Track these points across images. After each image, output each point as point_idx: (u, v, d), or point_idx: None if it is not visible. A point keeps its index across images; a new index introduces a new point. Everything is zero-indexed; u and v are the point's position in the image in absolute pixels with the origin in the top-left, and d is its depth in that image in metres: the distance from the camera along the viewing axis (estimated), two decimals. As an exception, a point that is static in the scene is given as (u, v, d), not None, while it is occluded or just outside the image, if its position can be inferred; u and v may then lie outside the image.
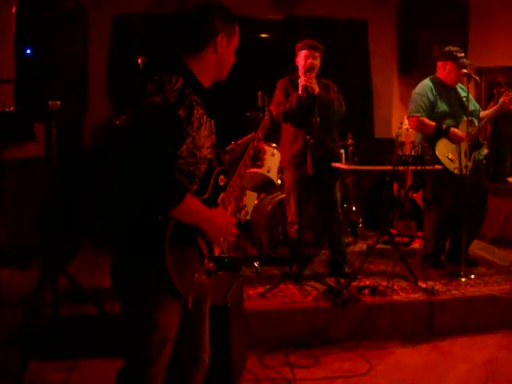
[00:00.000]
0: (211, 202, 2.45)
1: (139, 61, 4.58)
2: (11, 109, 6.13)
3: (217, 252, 2.52)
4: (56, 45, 4.48)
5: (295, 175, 5.27)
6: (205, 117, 2.43)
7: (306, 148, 5.02)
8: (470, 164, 5.30)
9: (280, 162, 5.68)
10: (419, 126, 5.44)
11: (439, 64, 5.56)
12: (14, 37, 4.46)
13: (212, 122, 2.54)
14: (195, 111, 2.34)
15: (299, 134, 5.16)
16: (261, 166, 3.02)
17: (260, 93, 3.07)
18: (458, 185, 5.28)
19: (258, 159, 2.83)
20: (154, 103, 2.24)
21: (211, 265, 2.46)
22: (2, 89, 6.40)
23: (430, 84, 5.53)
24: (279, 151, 5.78)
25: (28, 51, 4.57)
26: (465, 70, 5.25)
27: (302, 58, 5.24)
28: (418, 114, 5.42)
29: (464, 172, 5.23)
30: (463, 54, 5.43)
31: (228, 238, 2.53)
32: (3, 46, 5.33)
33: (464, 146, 5.30)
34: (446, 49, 5.50)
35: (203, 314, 2.67)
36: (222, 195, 2.53)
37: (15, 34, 4.44)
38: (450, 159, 5.27)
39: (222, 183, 2.52)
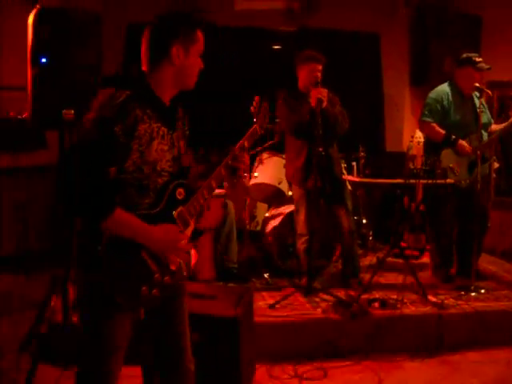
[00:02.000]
0: (164, 216, 2.43)
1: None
2: (24, 116, 6.18)
3: (174, 266, 2.48)
4: (71, 54, 4.52)
5: (303, 188, 5.27)
6: (161, 130, 2.43)
7: (314, 160, 5.00)
8: (471, 178, 5.29)
9: (286, 176, 5.68)
10: (429, 132, 5.43)
11: (457, 71, 5.53)
12: (31, 45, 4.50)
13: (175, 134, 2.54)
14: (142, 126, 2.33)
15: (304, 147, 5.16)
16: (240, 177, 2.78)
17: (257, 98, 2.97)
18: (459, 198, 5.30)
19: (236, 171, 2.70)
20: (89, 119, 2.28)
21: (167, 278, 2.44)
22: (16, 96, 6.45)
23: (448, 90, 5.50)
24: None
25: (43, 60, 4.61)
26: (477, 84, 5.24)
27: (308, 72, 5.23)
28: (430, 120, 5.41)
29: (464, 184, 5.23)
30: (481, 59, 5.40)
31: (175, 255, 2.47)
32: (20, 55, 5.38)
33: (468, 159, 5.30)
34: (464, 55, 5.47)
35: (178, 323, 2.66)
36: (180, 209, 2.49)
37: (32, 42, 4.48)
38: (451, 169, 5.25)
39: (180, 197, 2.49)
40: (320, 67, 5.22)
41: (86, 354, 2.47)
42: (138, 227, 2.33)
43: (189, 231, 2.59)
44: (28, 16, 4.88)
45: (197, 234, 2.69)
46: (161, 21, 2.51)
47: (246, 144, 2.75)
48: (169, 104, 2.54)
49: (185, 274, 2.59)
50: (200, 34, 2.53)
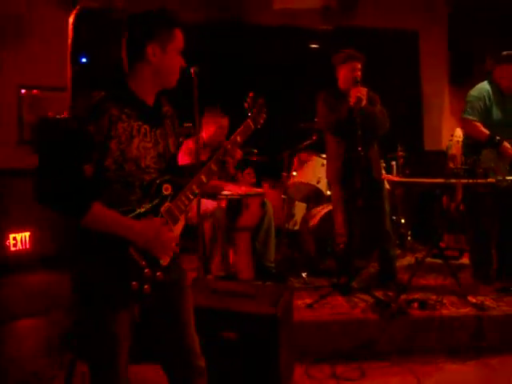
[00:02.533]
0: (151, 212, 2.45)
1: (191, 70, 4.60)
2: (63, 116, 6.25)
3: (165, 262, 2.50)
4: (110, 54, 4.56)
5: (342, 188, 5.25)
6: (143, 128, 2.46)
7: (353, 161, 4.98)
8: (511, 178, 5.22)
9: (326, 176, 5.66)
10: (472, 131, 5.35)
11: (497, 69, 5.45)
12: (71, 46, 4.56)
13: (158, 131, 2.56)
14: (120, 124, 2.37)
15: (343, 147, 5.14)
16: (228, 171, 2.78)
17: (251, 93, 2.95)
18: (499, 198, 5.23)
19: (226, 167, 2.73)
20: (63, 119, 2.34)
21: (158, 274, 2.46)
22: (55, 97, 6.54)
23: (488, 88, 5.42)
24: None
25: (83, 60, 4.66)
26: None
27: (348, 71, 5.21)
28: (473, 118, 5.33)
29: (504, 184, 5.15)
30: None
31: (161, 251, 2.48)
32: (59, 55, 5.46)
33: (509, 158, 5.23)
34: (504, 52, 5.40)
35: (182, 321, 2.67)
36: (167, 205, 2.51)
37: (72, 43, 4.53)
38: (492, 169, 5.17)
39: (166, 192, 2.51)
40: (359, 66, 5.20)
41: (89, 352, 2.53)
42: (119, 223, 2.36)
43: (179, 227, 2.60)
44: (67, 17, 4.96)
45: (188, 230, 2.70)
46: (135, 21, 2.52)
47: (238, 139, 2.78)
48: (152, 102, 2.57)
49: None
50: (178, 32, 2.53)
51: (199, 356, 2.70)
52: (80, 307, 2.49)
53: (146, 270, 2.42)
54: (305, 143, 6.19)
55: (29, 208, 6.48)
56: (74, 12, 4.67)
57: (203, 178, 2.63)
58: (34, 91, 6.73)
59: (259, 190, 5.67)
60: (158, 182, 2.50)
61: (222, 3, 7.45)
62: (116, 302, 2.41)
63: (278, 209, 6.18)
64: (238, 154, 2.76)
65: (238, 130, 2.81)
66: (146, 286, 2.42)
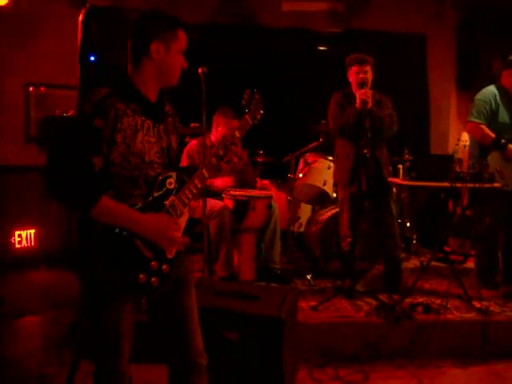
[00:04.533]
0: (156, 206, 2.50)
1: (199, 71, 4.61)
2: (69, 114, 6.26)
3: (171, 254, 2.54)
4: (119, 52, 4.56)
5: (348, 190, 5.25)
6: (146, 123, 2.52)
7: (360, 162, 4.98)
8: None
9: (334, 177, 5.67)
10: (477, 134, 5.36)
11: (504, 73, 5.44)
12: (80, 44, 4.56)
13: (161, 127, 2.62)
14: (126, 119, 2.42)
15: (351, 150, 5.14)
16: (230, 164, 2.86)
17: (248, 91, 3.01)
18: (506, 202, 5.23)
19: (233, 162, 2.83)
20: (71, 116, 2.39)
21: (165, 267, 2.50)
22: (62, 95, 6.56)
23: (495, 91, 5.41)
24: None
25: (92, 58, 4.67)
26: None
27: (352, 74, 5.23)
28: (479, 121, 5.33)
29: (511, 188, 5.16)
30: None
31: (167, 244, 2.52)
32: (69, 54, 5.47)
33: None
34: (511, 57, 5.41)
35: (185, 317, 2.69)
36: (171, 198, 2.56)
37: (81, 41, 4.54)
38: (498, 172, 5.17)
39: (170, 186, 2.56)
40: (366, 68, 5.19)
41: (94, 344, 2.56)
42: (127, 215, 2.40)
43: (183, 220, 2.64)
44: (77, 15, 4.97)
45: (192, 224, 2.74)
46: (143, 18, 2.59)
47: (236, 134, 2.86)
48: (155, 99, 2.62)
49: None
50: (181, 34, 2.58)
51: (200, 353, 2.71)
52: (86, 302, 2.53)
53: (152, 263, 2.46)
54: (311, 145, 6.19)
55: (34, 205, 6.51)
56: (84, 10, 4.67)
57: (205, 173, 2.70)
58: (42, 89, 6.76)
59: (266, 192, 5.67)
60: (162, 176, 2.55)
61: (234, 6, 7.48)
62: (123, 294, 2.45)
63: (283, 211, 6.18)
64: (238, 149, 2.86)
65: (237, 125, 2.92)
66: (153, 279, 2.45)
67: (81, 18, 4.83)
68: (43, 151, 6.41)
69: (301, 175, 6.08)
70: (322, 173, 6.03)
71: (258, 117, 3.00)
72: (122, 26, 4.72)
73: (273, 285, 5.20)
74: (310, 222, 6.22)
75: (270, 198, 5.55)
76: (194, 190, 2.64)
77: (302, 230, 6.40)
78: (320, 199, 6.18)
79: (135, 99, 2.50)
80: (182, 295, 2.70)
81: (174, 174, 2.59)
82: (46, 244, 6.77)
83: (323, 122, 5.94)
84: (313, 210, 6.47)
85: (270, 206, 5.52)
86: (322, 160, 6.11)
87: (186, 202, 2.62)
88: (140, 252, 2.44)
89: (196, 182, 2.65)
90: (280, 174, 6.60)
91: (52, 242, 6.70)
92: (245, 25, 7.62)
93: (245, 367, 3.55)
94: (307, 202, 6.44)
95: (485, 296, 5.11)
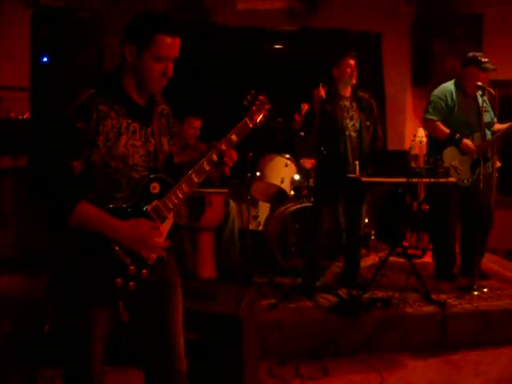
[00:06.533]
0: (138, 211, 2.45)
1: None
2: (25, 116, 6.16)
3: (151, 261, 2.48)
4: (71, 54, 4.51)
5: (317, 186, 5.27)
6: (132, 126, 2.47)
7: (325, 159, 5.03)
8: (474, 177, 5.30)
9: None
10: (432, 130, 5.45)
11: (462, 70, 5.56)
12: (30, 45, 4.49)
13: (149, 129, 2.54)
14: (109, 121, 2.38)
15: (319, 146, 5.16)
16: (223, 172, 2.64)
17: (253, 91, 2.87)
18: (462, 196, 5.31)
19: (224, 168, 2.62)
20: (54, 117, 2.38)
21: (144, 272, 2.46)
22: (18, 97, 6.45)
23: (452, 88, 5.52)
24: (293, 162, 5.80)
25: (44, 59, 4.60)
26: (479, 83, 5.23)
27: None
28: (434, 118, 5.42)
29: (466, 183, 5.25)
30: (487, 59, 5.42)
31: (146, 251, 2.46)
32: (21, 55, 5.38)
33: (471, 157, 5.31)
34: (470, 54, 5.51)
35: (167, 322, 2.64)
36: (154, 203, 2.49)
37: (31, 42, 4.47)
38: (454, 168, 5.25)
39: (154, 191, 2.49)
40: (351, 62, 5.40)
41: (66, 347, 2.51)
42: (105, 222, 2.35)
43: (167, 226, 2.56)
44: (28, 15, 4.88)
45: (176, 229, 2.65)
46: (128, 22, 2.51)
47: (233, 138, 2.68)
48: (145, 101, 2.55)
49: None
50: (161, 39, 2.42)
51: (181, 360, 2.64)
52: (58, 306, 2.53)
53: (131, 268, 2.41)
54: (268, 143, 6.19)
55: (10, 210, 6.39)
56: (35, 10, 4.60)
57: (194, 178, 2.56)
58: (-3, 91, 6.64)
59: (223, 189, 5.64)
60: (145, 180, 2.48)
61: (188, 3, 7.43)
62: (98, 298, 2.40)
63: (241, 209, 6.16)
64: (234, 154, 2.64)
65: (234, 128, 2.70)
66: (131, 283, 2.41)
67: (31, 18, 4.75)
68: None
69: (258, 174, 6.07)
70: (279, 171, 6.02)
71: (262, 120, 2.83)
72: (74, 26, 4.67)
73: (231, 283, 5.18)
74: (268, 220, 6.21)
75: (226, 193, 5.53)
76: (181, 195, 2.53)
77: (260, 228, 6.39)
78: (278, 197, 6.18)
79: (121, 101, 2.45)
80: (164, 297, 2.65)
81: (159, 178, 2.51)
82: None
83: (279, 119, 5.94)
84: (271, 208, 6.46)
85: (227, 204, 5.50)
86: (278, 158, 6.10)
87: (171, 206, 2.52)
88: (117, 257, 2.39)
89: (183, 186, 2.53)
90: (237, 172, 6.57)
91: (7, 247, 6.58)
92: (200, 23, 7.58)
93: (204, 367, 3.52)
94: (265, 200, 6.43)
95: (443, 289, 5.18)
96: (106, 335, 2.48)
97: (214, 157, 2.59)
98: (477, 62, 5.39)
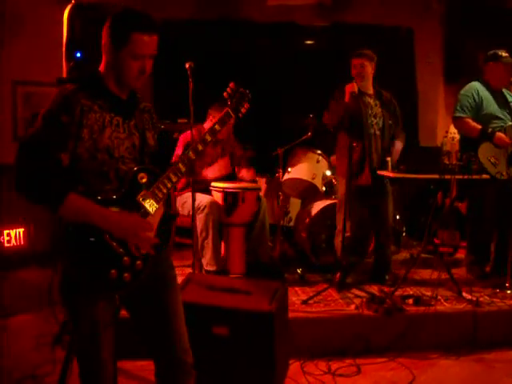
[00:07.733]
0: (126, 201, 2.48)
1: (187, 66, 4.61)
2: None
3: (144, 250, 2.50)
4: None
5: (347, 183, 5.25)
6: (115, 119, 2.50)
7: (352, 154, 5.02)
8: (510, 170, 5.25)
9: (337, 171, 5.67)
10: (463, 128, 5.41)
11: (485, 67, 5.55)
12: (65, 41, 4.53)
13: (132, 123, 2.59)
14: (92, 115, 2.41)
15: (350, 143, 5.15)
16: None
17: (232, 84, 2.99)
18: (500, 193, 5.25)
19: (203, 155, 2.79)
20: (41, 113, 2.38)
21: (138, 262, 2.48)
22: (49, 92, 6.50)
23: (477, 85, 5.51)
24: (324, 158, 5.79)
25: (78, 55, 4.64)
26: None
27: (352, 67, 5.29)
28: (463, 115, 5.40)
29: (505, 176, 5.19)
30: (507, 54, 5.41)
31: (137, 241, 2.47)
32: (52, 50, 5.44)
33: (506, 152, 5.27)
34: (491, 51, 5.51)
35: (168, 314, 2.67)
36: (143, 193, 2.52)
37: (66, 38, 4.51)
38: (492, 163, 5.21)
39: (142, 181, 2.53)
40: (356, 62, 5.27)
41: (75, 339, 2.63)
42: (95, 211, 2.37)
43: (157, 215, 2.60)
44: (62, 12, 4.93)
45: (169, 218, 2.69)
46: (107, 20, 2.53)
47: (216, 127, 2.82)
48: (126, 96, 2.59)
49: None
50: (138, 38, 2.43)
51: (187, 352, 2.68)
52: (62, 295, 2.51)
53: (124, 258, 2.44)
54: (300, 139, 6.19)
55: (23, 204, 6.46)
56: (69, 6, 4.64)
57: (181, 167, 2.65)
58: (30, 87, 6.71)
59: (255, 184, 5.66)
60: (133, 170, 2.52)
61: (219, 0, 7.46)
62: (96, 289, 2.44)
63: (273, 205, 6.18)
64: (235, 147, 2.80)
65: (218, 118, 2.86)
66: (125, 274, 2.44)
67: (66, 14, 4.79)
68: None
69: (290, 170, 6.08)
70: (311, 167, 6.03)
71: (243, 111, 2.96)
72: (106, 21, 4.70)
73: (263, 279, 5.19)
74: (299, 216, 6.21)
75: (258, 190, 5.55)
76: (169, 184, 2.60)
77: (291, 224, 6.40)
78: (309, 193, 6.18)
79: (103, 96, 2.48)
80: (166, 292, 2.68)
81: (146, 169, 2.56)
82: (36, 243, 6.73)
83: (311, 115, 5.94)
84: (302, 204, 6.47)
85: (258, 200, 5.52)
86: (310, 154, 6.11)
87: (160, 196, 2.57)
88: (111, 248, 2.42)
89: (171, 175, 2.61)
90: (269, 168, 6.58)
91: (41, 240, 6.66)
92: (230, 19, 7.60)
93: (235, 363, 3.55)
94: (297, 197, 6.44)
95: (475, 287, 5.14)
96: (112, 323, 2.54)
97: (199, 146, 2.72)
98: (496, 57, 5.41)
